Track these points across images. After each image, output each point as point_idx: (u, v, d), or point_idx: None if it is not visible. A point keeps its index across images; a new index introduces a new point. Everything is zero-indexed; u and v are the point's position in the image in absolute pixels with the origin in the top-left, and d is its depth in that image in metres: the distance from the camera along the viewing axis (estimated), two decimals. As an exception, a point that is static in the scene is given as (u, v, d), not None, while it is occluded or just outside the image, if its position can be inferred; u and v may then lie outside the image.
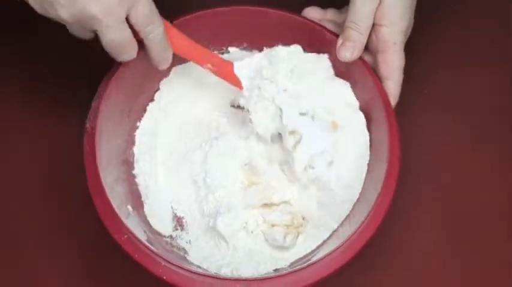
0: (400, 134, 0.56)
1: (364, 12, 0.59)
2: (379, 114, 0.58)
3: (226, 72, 0.62)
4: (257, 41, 0.66)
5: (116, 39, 0.53)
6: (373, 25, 0.60)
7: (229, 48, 0.67)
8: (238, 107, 0.66)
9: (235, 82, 0.62)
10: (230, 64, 0.62)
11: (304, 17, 0.64)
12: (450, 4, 0.78)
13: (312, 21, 0.64)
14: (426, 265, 0.63)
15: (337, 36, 0.61)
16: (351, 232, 0.52)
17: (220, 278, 0.50)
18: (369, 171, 0.58)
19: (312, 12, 0.66)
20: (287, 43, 0.63)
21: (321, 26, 0.63)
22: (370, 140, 0.59)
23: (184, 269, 0.50)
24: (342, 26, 0.61)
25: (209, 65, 0.61)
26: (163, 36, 0.56)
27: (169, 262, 0.50)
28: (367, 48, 0.61)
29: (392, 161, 0.54)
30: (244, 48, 0.67)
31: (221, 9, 0.64)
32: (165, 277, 0.50)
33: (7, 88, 0.72)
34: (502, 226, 0.65)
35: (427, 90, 0.72)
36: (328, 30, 0.63)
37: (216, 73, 0.61)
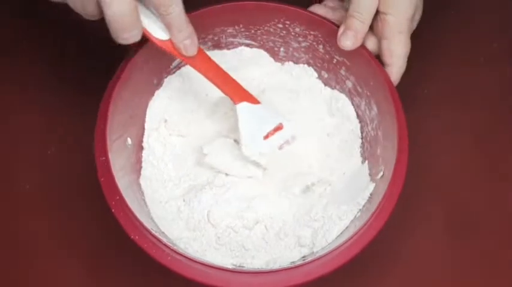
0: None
1: (367, 2, 0.59)
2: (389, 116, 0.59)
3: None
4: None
5: (119, 12, 0.49)
6: (379, 12, 0.60)
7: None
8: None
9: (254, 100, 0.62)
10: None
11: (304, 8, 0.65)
12: (452, 9, 0.78)
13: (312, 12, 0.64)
14: (426, 267, 0.63)
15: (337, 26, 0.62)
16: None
17: (227, 270, 0.51)
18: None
19: (331, 2, 0.66)
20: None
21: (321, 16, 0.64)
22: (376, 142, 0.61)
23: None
24: None
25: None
26: (185, 17, 0.54)
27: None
28: (372, 31, 0.62)
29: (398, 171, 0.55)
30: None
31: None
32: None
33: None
34: (502, 227, 0.65)
35: (427, 90, 0.72)
36: (328, 20, 0.63)
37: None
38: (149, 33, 0.55)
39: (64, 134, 0.69)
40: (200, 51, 0.57)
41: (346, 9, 0.63)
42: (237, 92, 0.61)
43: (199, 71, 0.58)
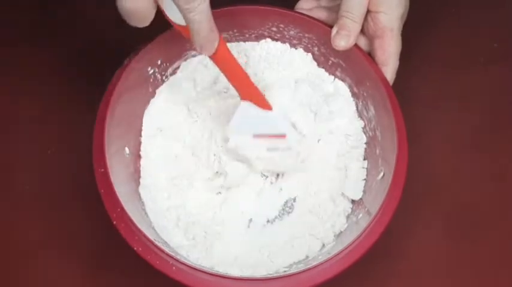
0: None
1: (357, 0, 0.60)
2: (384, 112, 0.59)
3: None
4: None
5: (131, 8, 0.47)
6: (370, 11, 0.60)
7: None
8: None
9: (264, 105, 0.59)
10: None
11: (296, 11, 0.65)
12: (451, 8, 0.78)
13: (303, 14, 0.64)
14: (426, 268, 0.63)
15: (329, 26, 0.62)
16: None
17: (230, 278, 0.51)
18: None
19: (306, 4, 0.66)
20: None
21: (313, 18, 0.64)
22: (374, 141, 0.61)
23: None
24: (334, 10, 0.63)
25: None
26: (207, 14, 0.49)
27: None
28: (363, 32, 0.62)
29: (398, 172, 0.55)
30: None
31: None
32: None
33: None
34: (503, 227, 0.65)
35: (427, 90, 0.72)
36: (321, 22, 0.63)
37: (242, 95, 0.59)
38: (167, 16, 0.52)
39: (64, 134, 0.68)
40: (220, 46, 0.53)
41: (323, 7, 0.65)
42: (247, 91, 0.58)
43: (215, 63, 0.56)
